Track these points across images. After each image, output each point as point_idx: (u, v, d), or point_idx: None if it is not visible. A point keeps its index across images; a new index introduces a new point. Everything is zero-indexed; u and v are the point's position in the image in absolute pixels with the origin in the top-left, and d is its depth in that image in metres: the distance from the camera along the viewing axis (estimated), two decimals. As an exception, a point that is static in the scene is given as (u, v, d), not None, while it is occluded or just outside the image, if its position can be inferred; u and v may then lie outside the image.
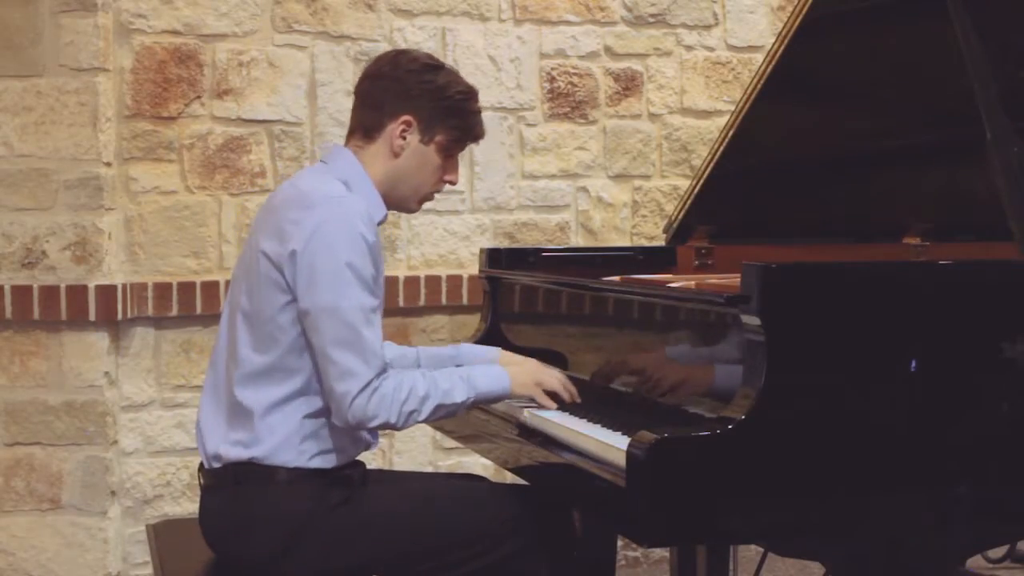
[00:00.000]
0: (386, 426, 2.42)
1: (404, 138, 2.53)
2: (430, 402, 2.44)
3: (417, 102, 2.52)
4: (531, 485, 2.64)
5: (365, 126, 2.55)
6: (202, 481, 2.56)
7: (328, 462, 2.48)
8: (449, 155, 2.58)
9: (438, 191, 2.63)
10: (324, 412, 2.46)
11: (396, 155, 2.53)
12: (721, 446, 2.02)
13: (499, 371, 2.57)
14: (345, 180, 2.51)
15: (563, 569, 2.58)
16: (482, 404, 2.59)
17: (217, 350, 2.57)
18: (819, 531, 2.14)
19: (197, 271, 4.00)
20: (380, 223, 2.56)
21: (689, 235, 3.29)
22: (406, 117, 2.52)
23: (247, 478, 2.46)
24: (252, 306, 2.47)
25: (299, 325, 2.42)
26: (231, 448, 2.46)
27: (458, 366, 2.71)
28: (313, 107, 4.11)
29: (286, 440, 2.44)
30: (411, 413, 2.42)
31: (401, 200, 2.60)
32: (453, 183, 2.64)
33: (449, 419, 2.87)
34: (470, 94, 2.60)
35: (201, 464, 2.56)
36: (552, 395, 2.59)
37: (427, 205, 4.19)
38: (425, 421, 2.48)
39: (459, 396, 2.47)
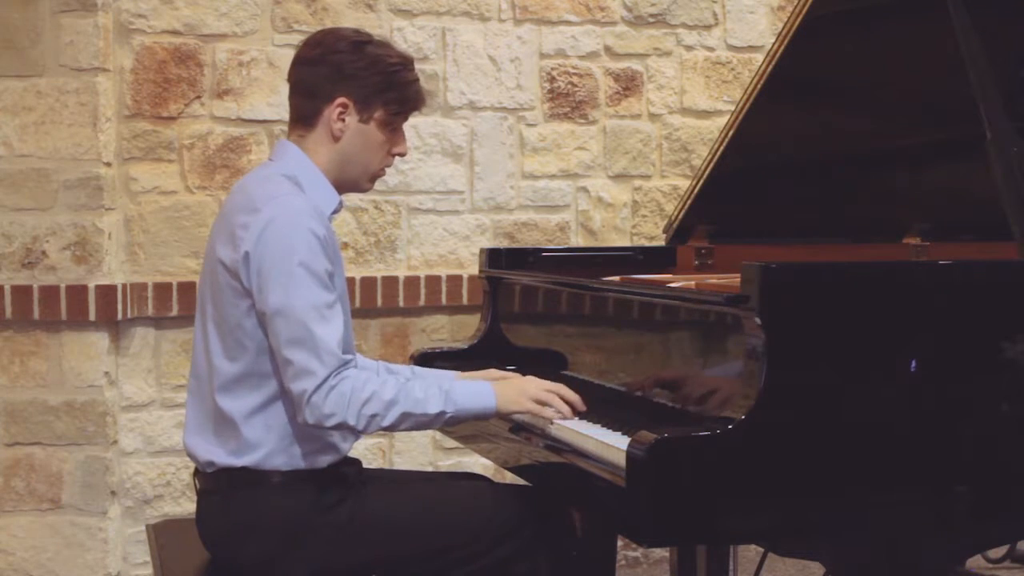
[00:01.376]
0: (344, 427, 2.36)
1: (343, 120, 2.48)
2: (397, 409, 2.36)
3: (350, 82, 2.46)
4: (531, 485, 2.63)
5: (303, 114, 2.51)
6: (198, 485, 2.56)
7: (322, 461, 2.47)
8: (393, 129, 2.53)
9: (388, 165, 2.58)
10: None
11: (337, 139, 2.49)
12: (721, 446, 2.02)
13: (484, 387, 2.48)
14: (292, 175, 2.47)
15: (563, 569, 2.57)
16: (465, 420, 2.49)
17: (195, 359, 2.55)
18: (819, 531, 2.14)
19: (197, 271, 3.99)
20: (335, 212, 2.53)
21: (689, 235, 3.29)
22: (341, 99, 2.47)
23: (242, 482, 2.45)
24: (218, 314, 2.45)
25: (263, 329, 2.41)
26: (224, 457, 2.46)
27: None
28: (313, 107, 4.11)
29: (276, 445, 2.43)
30: (372, 417, 2.34)
31: (352, 182, 2.55)
32: (403, 154, 2.58)
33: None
34: (403, 63, 2.53)
35: (196, 468, 2.56)
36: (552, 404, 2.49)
37: (427, 205, 4.26)
38: (391, 429, 2.40)
39: (432, 407, 2.39)
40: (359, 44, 2.50)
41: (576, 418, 2.48)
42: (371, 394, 2.34)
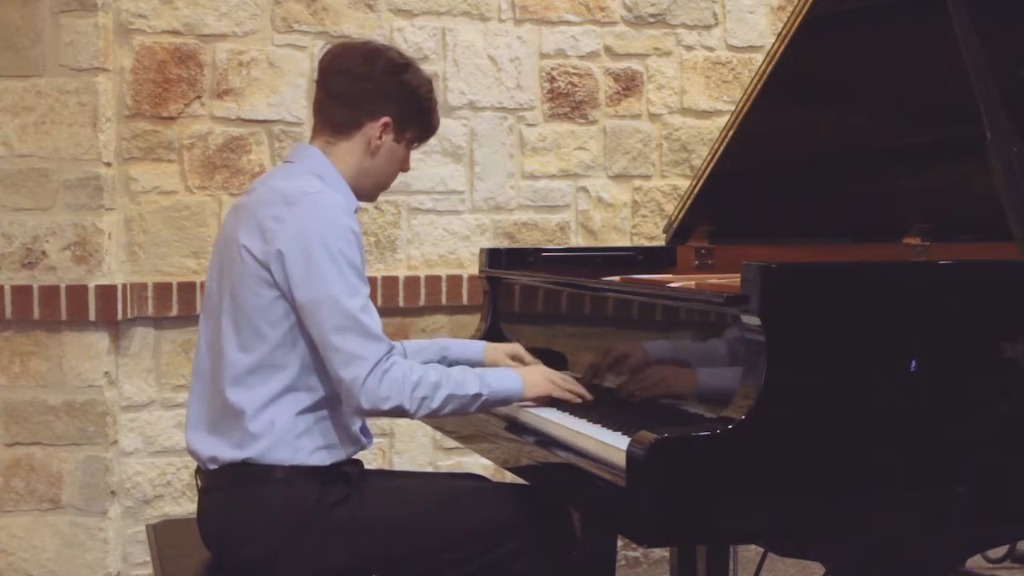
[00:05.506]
0: (399, 411, 2.41)
1: (381, 138, 2.58)
2: (442, 391, 2.43)
3: (395, 103, 2.57)
4: (530, 484, 2.63)
5: (339, 123, 2.58)
6: (199, 483, 2.56)
7: (324, 459, 2.48)
8: (412, 149, 2.65)
9: (394, 179, 2.70)
10: (316, 407, 2.47)
11: (373, 153, 2.58)
12: (721, 446, 2.02)
13: (510, 372, 2.58)
14: (318, 175, 2.54)
15: (563, 569, 2.58)
16: (494, 404, 2.55)
17: (199, 358, 2.58)
18: (819, 531, 2.14)
19: (197, 271, 4.00)
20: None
21: (689, 235, 3.29)
22: (386, 119, 2.57)
23: (244, 478, 2.46)
24: (236, 306, 2.47)
25: (289, 319, 2.43)
26: (227, 451, 2.47)
27: (444, 359, 2.80)
28: (313, 107, 4.11)
29: (280, 438, 2.44)
30: (423, 400, 2.41)
31: (366, 193, 2.65)
32: (407, 170, 2.70)
33: (450, 420, 2.87)
34: (432, 87, 2.66)
35: (198, 467, 2.57)
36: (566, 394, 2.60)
37: (427, 205, 4.27)
38: (438, 412, 2.44)
39: (471, 388, 2.47)
40: (403, 67, 2.61)
41: (551, 409, 2.57)
42: (419, 377, 2.41)
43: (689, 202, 3.22)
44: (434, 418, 2.50)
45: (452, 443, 4.09)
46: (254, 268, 2.44)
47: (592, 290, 2.79)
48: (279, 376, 2.45)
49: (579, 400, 2.58)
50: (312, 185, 2.50)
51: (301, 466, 2.45)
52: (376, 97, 2.56)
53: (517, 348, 2.87)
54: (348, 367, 2.38)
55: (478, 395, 2.48)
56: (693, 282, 2.58)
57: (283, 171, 2.62)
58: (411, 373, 2.40)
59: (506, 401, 2.56)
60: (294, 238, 2.41)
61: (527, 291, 3.14)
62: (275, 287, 2.43)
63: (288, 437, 2.45)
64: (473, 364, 2.77)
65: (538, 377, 2.60)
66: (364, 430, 2.60)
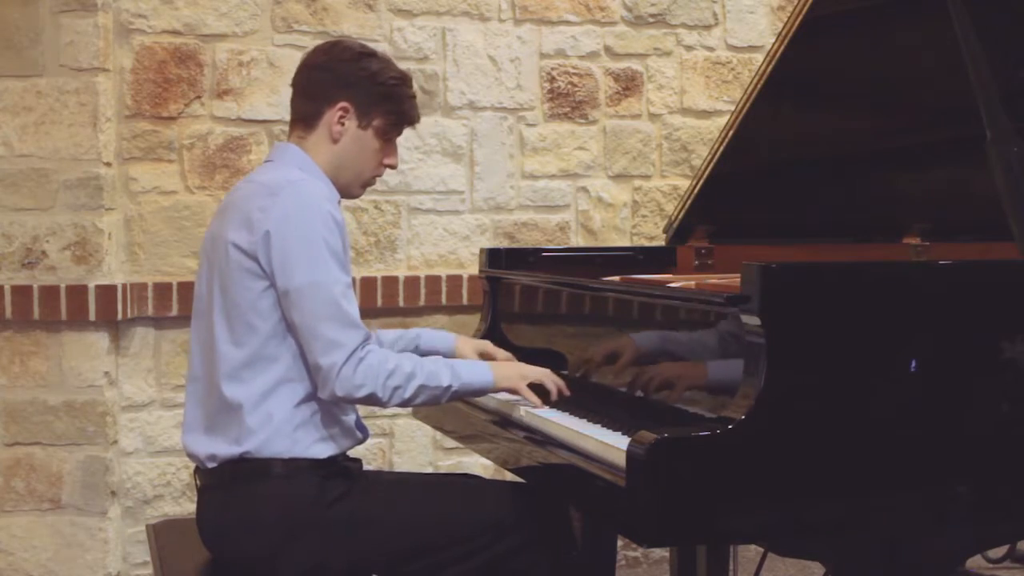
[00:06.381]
0: (372, 399, 2.43)
1: (342, 124, 2.59)
2: (415, 381, 2.45)
3: (352, 89, 2.58)
4: (530, 483, 2.63)
5: (304, 115, 2.61)
6: (198, 483, 2.57)
7: (322, 451, 2.49)
8: (387, 139, 2.64)
9: (379, 175, 2.69)
10: (311, 398, 2.48)
11: (335, 141, 2.59)
12: (721, 446, 2.02)
13: (482, 364, 2.61)
14: (299, 168, 2.57)
15: (563, 569, 2.57)
16: (464, 396, 2.59)
17: (193, 363, 2.59)
18: (819, 531, 2.14)
19: (197, 271, 3.99)
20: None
21: (689, 235, 3.29)
22: (343, 103, 2.58)
23: (243, 475, 2.46)
24: (227, 301, 2.49)
25: (279, 310, 2.45)
26: (225, 447, 2.48)
27: (417, 348, 2.83)
28: (313, 107, 4.11)
29: (278, 430, 2.45)
30: (396, 389, 2.43)
31: (345, 186, 2.65)
32: (393, 167, 2.69)
33: (450, 420, 2.88)
34: (403, 79, 2.66)
35: (197, 466, 2.57)
36: (539, 390, 2.60)
37: (427, 205, 4.26)
38: (410, 402, 2.48)
39: (443, 380, 2.49)
40: (365, 55, 2.63)
41: (551, 409, 2.57)
42: (394, 367, 2.43)
43: (689, 202, 3.22)
44: (406, 407, 2.53)
45: (452, 443, 4.09)
46: (242, 261, 2.46)
47: (592, 290, 2.79)
48: (273, 368, 2.46)
49: (553, 389, 2.60)
50: (294, 175, 2.53)
51: (300, 459, 2.46)
52: (333, 84, 2.58)
53: (486, 345, 2.90)
54: (326, 354, 2.40)
55: (449, 387, 2.50)
56: (693, 282, 2.58)
57: (264, 168, 2.65)
58: (386, 362, 2.43)
59: (477, 393, 2.61)
60: (278, 223, 2.43)
61: (527, 291, 3.14)
62: (263, 277, 2.45)
63: (286, 429, 2.46)
64: (443, 355, 2.78)
65: (509, 370, 2.62)
66: (360, 425, 2.61)
